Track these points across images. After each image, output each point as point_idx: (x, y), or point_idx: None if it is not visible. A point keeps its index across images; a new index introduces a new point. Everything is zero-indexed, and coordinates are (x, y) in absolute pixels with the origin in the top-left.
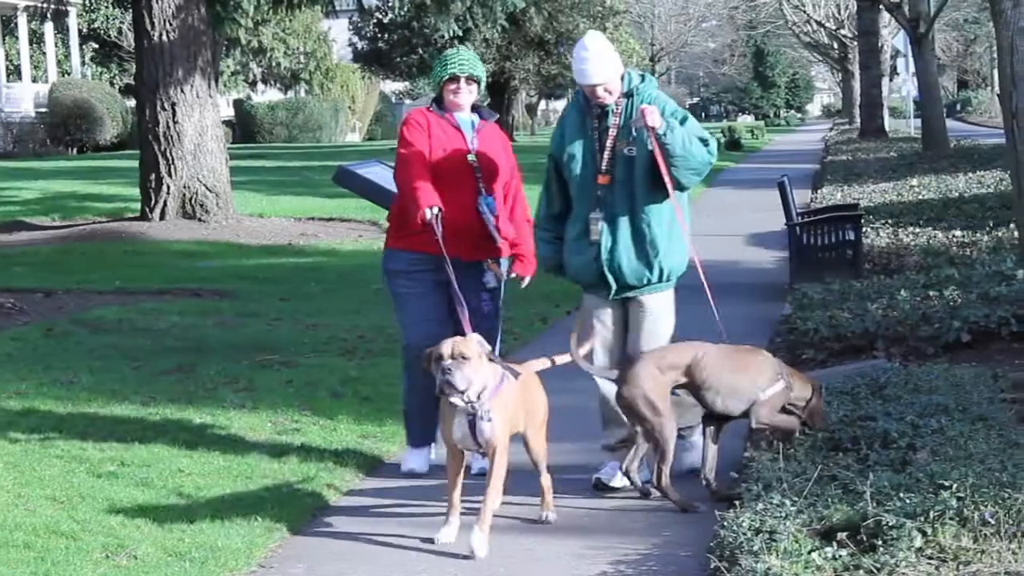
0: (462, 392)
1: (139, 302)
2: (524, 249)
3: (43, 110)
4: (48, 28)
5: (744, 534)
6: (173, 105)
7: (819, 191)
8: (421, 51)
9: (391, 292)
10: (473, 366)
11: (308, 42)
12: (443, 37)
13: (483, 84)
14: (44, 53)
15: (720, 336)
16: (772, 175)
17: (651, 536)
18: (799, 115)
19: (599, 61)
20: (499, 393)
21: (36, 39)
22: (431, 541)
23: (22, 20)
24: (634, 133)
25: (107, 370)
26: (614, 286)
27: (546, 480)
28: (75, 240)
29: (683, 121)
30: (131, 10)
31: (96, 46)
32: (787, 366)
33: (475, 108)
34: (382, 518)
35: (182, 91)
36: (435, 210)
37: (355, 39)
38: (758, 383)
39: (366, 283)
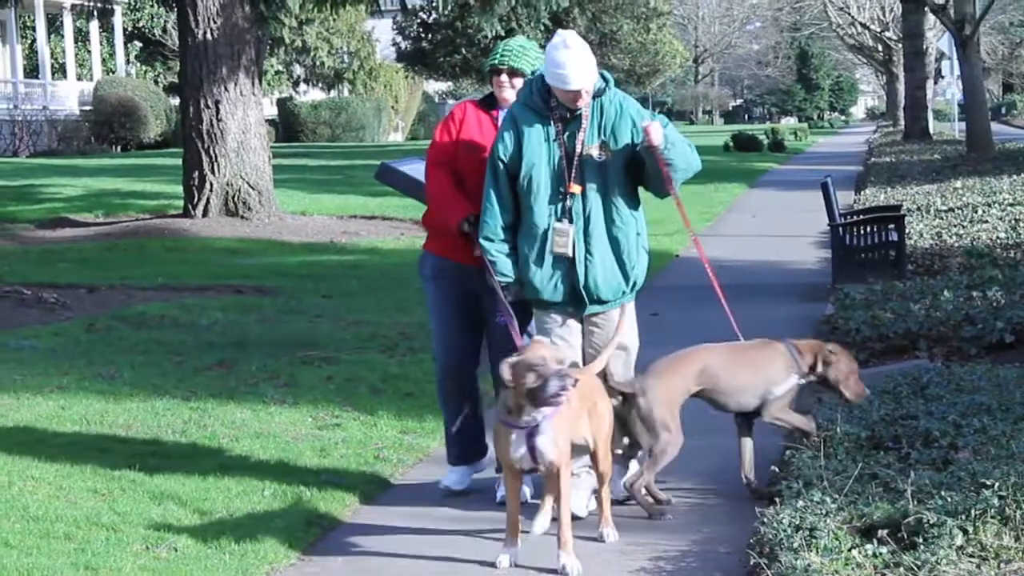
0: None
1: (181, 298)
2: None
3: (88, 108)
4: (93, 26)
5: (784, 531)
6: (217, 103)
7: (862, 193)
8: (464, 51)
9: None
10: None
11: (352, 42)
12: (487, 37)
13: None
14: (89, 51)
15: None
16: (815, 176)
17: (690, 533)
18: (843, 117)
19: (581, 64)
20: (560, 410)
21: (81, 37)
22: (473, 537)
23: (68, 18)
24: (609, 139)
25: (149, 365)
26: (587, 303)
27: (607, 493)
28: (118, 237)
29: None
30: (175, 9)
31: (141, 44)
32: (807, 342)
33: None
34: (423, 513)
35: (226, 89)
36: (471, 218)
37: (399, 39)
38: (770, 378)
39: (408, 281)
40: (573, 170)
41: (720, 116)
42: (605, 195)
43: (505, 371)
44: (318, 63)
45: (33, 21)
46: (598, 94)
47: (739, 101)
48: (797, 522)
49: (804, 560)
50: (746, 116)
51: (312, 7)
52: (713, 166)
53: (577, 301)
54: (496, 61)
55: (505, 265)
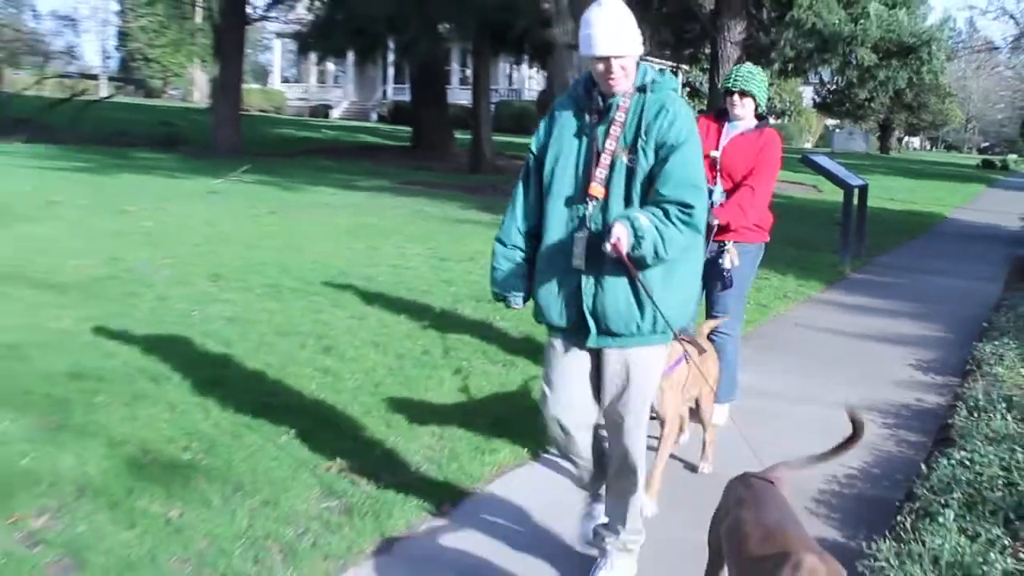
0: None
1: None
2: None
3: None
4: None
5: (984, 354)
6: None
7: None
8: (847, 104)
9: None
10: None
11: (790, 96)
12: (857, 95)
13: (760, 97)
14: None
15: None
16: None
17: (925, 351)
18: None
19: (614, 26)
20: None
21: None
22: None
23: None
24: (640, 142)
25: None
26: (594, 330)
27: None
28: None
29: (675, 148)
30: (708, 72)
31: (692, 94)
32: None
33: (761, 118)
34: None
35: None
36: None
37: (815, 96)
38: None
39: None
40: (599, 170)
41: (976, 150)
42: (629, 207)
43: None
44: (769, 106)
45: None
46: (645, 88)
47: (988, 143)
48: (992, 350)
49: (995, 370)
50: (990, 151)
51: (770, 79)
52: (968, 174)
53: (583, 328)
54: (729, 84)
55: (502, 274)
